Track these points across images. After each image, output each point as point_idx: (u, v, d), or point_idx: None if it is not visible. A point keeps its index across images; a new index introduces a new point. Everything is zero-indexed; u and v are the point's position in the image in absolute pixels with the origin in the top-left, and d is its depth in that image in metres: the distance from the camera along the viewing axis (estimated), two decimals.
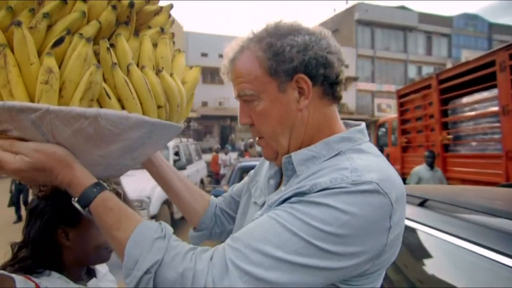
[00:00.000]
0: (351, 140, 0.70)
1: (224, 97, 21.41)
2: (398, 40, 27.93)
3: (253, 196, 0.81)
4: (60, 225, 0.81)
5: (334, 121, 0.73)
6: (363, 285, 0.62)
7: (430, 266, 1.26)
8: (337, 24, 27.61)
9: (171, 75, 0.74)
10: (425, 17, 27.97)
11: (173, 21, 0.83)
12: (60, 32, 0.63)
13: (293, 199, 0.60)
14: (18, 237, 0.85)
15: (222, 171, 9.68)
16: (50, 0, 0.64)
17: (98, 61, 0.65)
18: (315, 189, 0.59)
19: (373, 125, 15.59)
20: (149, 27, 0.78)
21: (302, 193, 0.60)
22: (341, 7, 27.61)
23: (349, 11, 26.47)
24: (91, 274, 0.90)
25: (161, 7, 0.80)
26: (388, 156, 6.89)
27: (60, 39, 0.61)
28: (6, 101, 0.58)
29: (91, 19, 0.67)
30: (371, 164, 0.63)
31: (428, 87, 6.19)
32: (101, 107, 0.64)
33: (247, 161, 6.57)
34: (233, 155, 10.96)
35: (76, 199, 0.63)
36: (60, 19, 0.64)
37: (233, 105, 22.58)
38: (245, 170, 5.57)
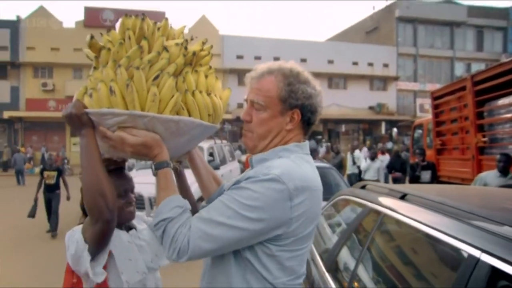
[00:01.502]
0: (288, 150, 1.02)
1: None
2: (443, 36, 26.47)
3: None
4: None
5: (293, 140, 1.06)
6: (283, 249, 0.92)
7: (408, 249, 1.49)
8: (376, 22, 26.88)
9: (215, 95, 1.20)
10: (475, 11, 26.19)
11: (212, 56, 1.27)
12: (156, 71, 1.07)
13: (233, 186, 0.96)
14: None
15: None
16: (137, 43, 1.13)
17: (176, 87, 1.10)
18: (244, 178, 0.95)
19: None
20: (200, 64, 1.23)
21: (238, 181, 0.96)
22: (381, 4, 26.77)
23: (389, 8, 25.62)
24: (131, 228, 1.31)
25: (208, 52, 1.24)
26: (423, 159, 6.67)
27: (157, 76, 1.07)
28: (131, 111, 1.01)
29: (171, 62, 1.11)
30: (282, 165, 0.95)
31: (463, 88, 6.06)
32: (177, 114, 1.08)
33: None
34: None
35: (154, 164, 1.03)
36: (155, 63, 1.09)
37: None
38: None
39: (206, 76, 1.19)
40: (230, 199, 0.91)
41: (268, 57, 23.26)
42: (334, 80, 24.34)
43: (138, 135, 1.01)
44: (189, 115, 1.09)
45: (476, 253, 0.95)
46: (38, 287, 3.76)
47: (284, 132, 1.03)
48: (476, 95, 5.65)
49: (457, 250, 1.04)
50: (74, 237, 1.11)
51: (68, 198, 6.35)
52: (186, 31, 1.30)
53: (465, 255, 0.99)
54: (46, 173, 6.41)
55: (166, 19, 1.20)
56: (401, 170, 7.81)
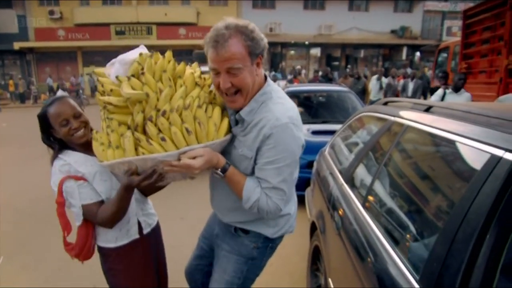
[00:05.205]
0: (266, 93, 1.25)
1: (275, 23, 20.50)
2: None
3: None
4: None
5: (262, 79, 1.28)
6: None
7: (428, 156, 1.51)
8: None
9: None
10: None
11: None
12: (203, 103, 1.24)
13: (264, 150, 1.20)
14: None
15: None
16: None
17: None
18: (265, 138, 1.18)
19: None
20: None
21: (260, 147, 1.21)
22: None
23: None
24: None
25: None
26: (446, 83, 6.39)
27: (206, 108, 1.25)
28: (206, 143, 1.20)
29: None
30: (279, 109, 1.20)
31: (503, 4, 5.47)
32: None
33: (294, 87, 6.63)
34: (282, 84, 11.04)
35: (219, 170, 1.23)
36: (200, 96, 1.25)
37: (285, 31, 21.55)
38: (293, 95, 5.67)
39: None
40: (273, 162, 1.20)
41: None
42: (356, 2, 22.27)
43: (197, 154, 1.16)
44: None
45: (500, 152, 0.96)
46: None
47: (256, 78, 1.21)
48: None
49: (481, 153, 1.05)
50: (73, 195, 1.34)
51: None
52: None
53: (488, 156, 1.00)
54: None
55: (171, 51, 1.31)
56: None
